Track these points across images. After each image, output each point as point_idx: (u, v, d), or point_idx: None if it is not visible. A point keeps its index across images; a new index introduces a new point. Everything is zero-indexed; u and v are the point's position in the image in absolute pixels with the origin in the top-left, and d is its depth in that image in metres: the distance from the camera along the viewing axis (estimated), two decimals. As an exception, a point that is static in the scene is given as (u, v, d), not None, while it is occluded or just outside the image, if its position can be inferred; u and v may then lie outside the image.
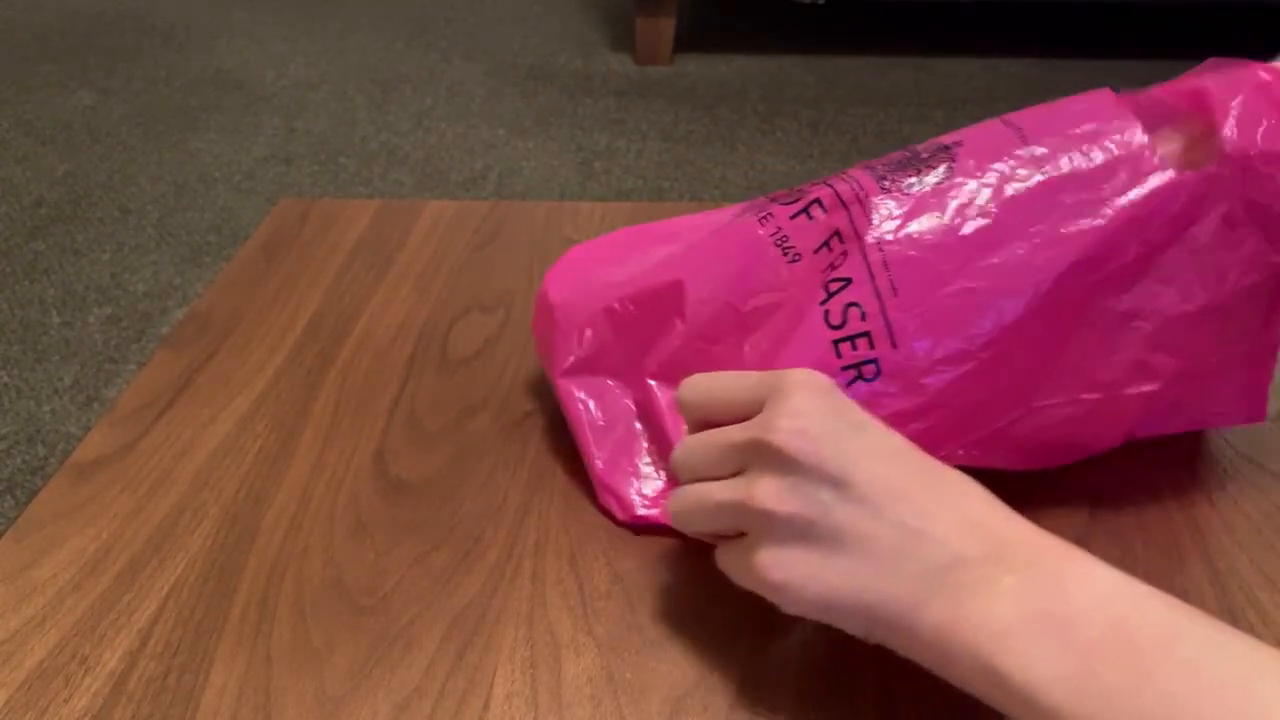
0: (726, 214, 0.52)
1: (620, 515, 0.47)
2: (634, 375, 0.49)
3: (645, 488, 0.48)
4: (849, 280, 0.43)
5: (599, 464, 0.48)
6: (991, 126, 0.46)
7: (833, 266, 0.44)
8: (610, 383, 0.50)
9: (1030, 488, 0.49)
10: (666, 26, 2.40)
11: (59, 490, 0.50)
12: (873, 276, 0.43)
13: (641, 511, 0.47)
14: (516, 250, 0.69)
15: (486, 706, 0.39)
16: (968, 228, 0.43)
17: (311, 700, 0.40)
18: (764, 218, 0.47)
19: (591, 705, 0.39)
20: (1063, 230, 0.42)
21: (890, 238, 0.43)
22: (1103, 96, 0.45)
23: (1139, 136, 0.43)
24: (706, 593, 0.44)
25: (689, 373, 0.42)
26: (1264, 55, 0.50)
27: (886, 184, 0.44)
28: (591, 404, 0.50)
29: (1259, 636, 0.41)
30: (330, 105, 2.27)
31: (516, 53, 2.54)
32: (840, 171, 0.48)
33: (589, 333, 0.50)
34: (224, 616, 0.43)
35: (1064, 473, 0.50)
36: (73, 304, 1.63)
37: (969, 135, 0.46)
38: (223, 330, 0.61)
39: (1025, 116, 0.46)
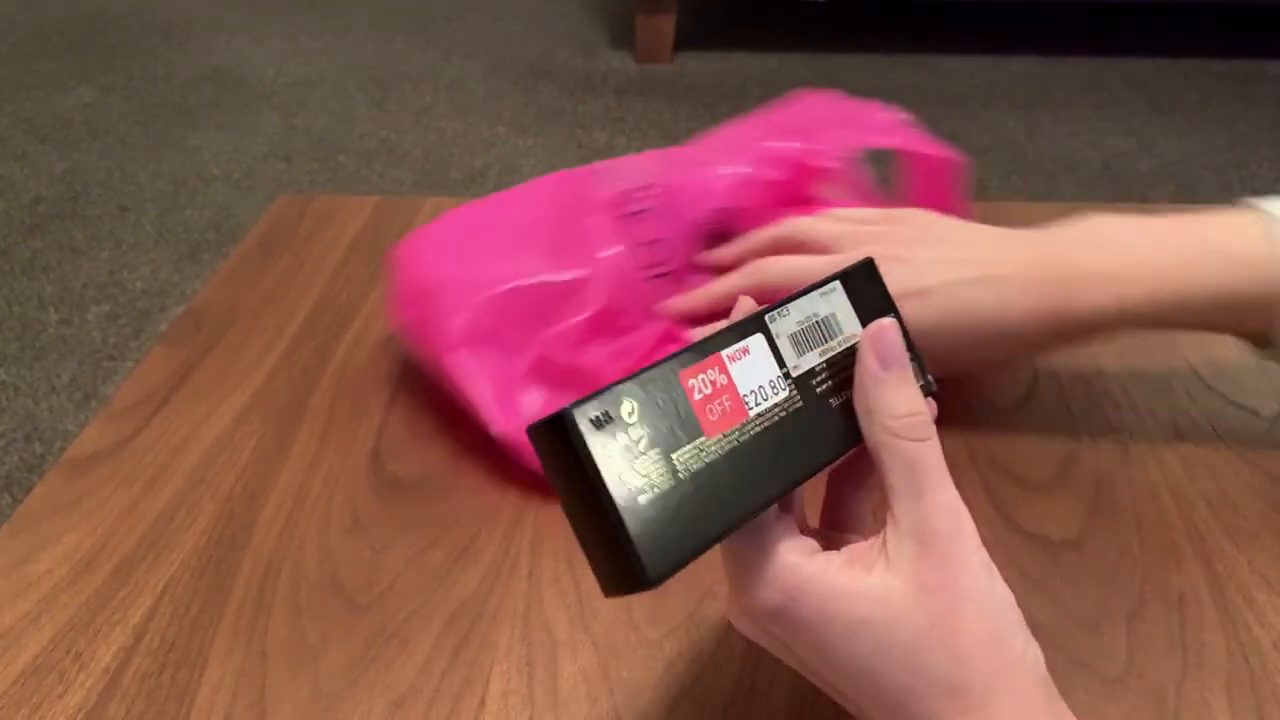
0: (548, 185, 0.56)
1: (533, 465, 0.48)
2: (528, 346, 0.50)
3: None
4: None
5: (499, 427, 0.48)
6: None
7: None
8: (501, 355, 0.50)
9: (1029, 490, 0.49)
10: (667, 24, 2.40)
11: (54, 486, 0.50)
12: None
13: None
14: (515, 248, 0.69)
15: (482, 704, 0.39)
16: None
17: (307, 697, 0.40)
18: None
19: (588, 703, 0.39)
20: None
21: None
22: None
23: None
24: (702, 591, 0.44)
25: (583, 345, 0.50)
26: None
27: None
28: (486, 373, 0.50)
29: (1256, 638, 0.41)
30: (330, 103, 2.27)
31: (516, 50, 2.53)
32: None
33: (484, 309, 0.50)
34: (219, 613, 0.43)
35: (1063, 475, 0.50)
36: (71, 301, 1.63)
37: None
38: (220, 326, 0.61)
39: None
